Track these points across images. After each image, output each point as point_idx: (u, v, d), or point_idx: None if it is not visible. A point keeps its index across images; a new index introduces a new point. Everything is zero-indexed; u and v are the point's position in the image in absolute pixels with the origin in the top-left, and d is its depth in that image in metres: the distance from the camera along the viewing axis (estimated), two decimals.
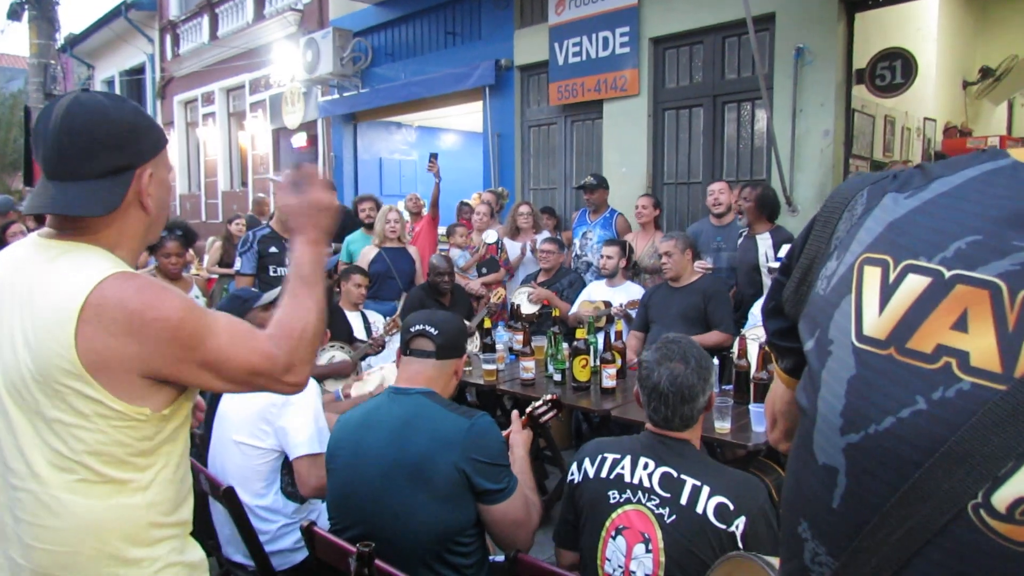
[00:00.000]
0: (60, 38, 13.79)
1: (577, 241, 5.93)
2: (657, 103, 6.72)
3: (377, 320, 4.76)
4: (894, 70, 5.79)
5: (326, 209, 1.46)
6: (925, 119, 7.73)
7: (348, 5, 9.85)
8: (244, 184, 13.51)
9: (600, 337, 3.96)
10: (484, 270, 5.99)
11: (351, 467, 2.00)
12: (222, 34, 12.99)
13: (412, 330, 2.10)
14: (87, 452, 1.24)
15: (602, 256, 4.80)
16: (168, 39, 14.92)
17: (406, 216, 6.94)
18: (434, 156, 6.33)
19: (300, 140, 11.64)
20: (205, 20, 13.54)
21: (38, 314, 1.23)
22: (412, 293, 5.04)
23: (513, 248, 5.99)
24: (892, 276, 0.70)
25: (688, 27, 6.34)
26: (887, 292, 0.70)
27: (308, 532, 2.02)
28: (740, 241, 4.81)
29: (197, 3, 13.82)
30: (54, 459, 1.24)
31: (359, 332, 4.50)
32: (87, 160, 1.27)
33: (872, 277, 0.72)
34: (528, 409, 2.31)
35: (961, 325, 0.65)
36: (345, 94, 10.09)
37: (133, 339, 1.21)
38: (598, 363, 3.69)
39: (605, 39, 6.90)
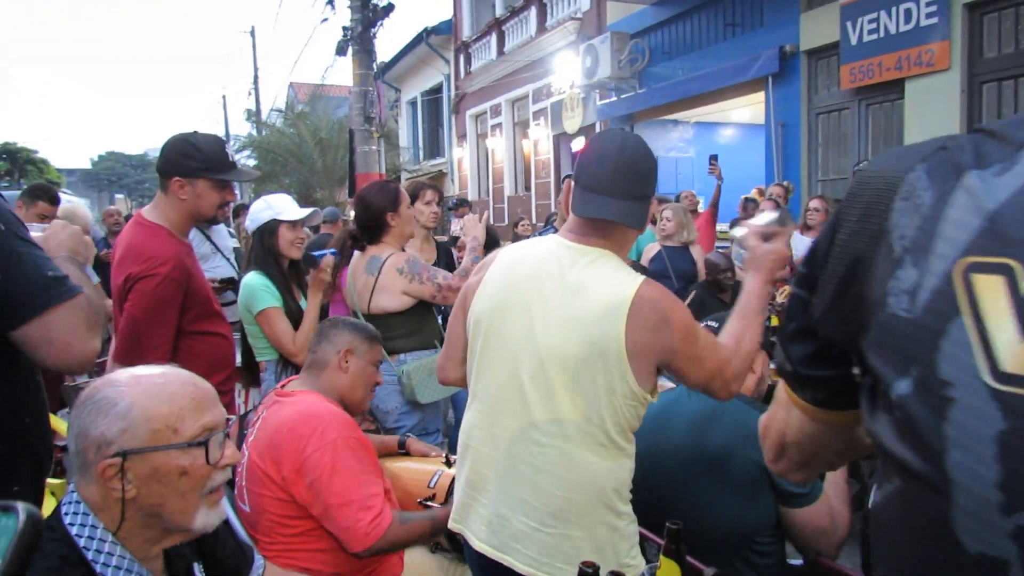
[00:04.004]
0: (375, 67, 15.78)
1: None
2: (973, 76, 5.93)
3: None
4: None
5: (784, 259, 1.74)
6: None
7: (625, 8, 10.03)
8: (527, 188, 14.35)
9: None
10: None
11: (649, 456, 2.06)
12: (508, 49, 13.93)
13: (712, 323, 2.12)
14: (610, 421, 1.56)
15: None
16: (461, 59, 16.35)
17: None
18: (714, 157, 6.23)
19: (579, 144, 12.08)
20: (493, 38, 14.62)
21: (591, 304, 1.55)
22: (694, 292, 5.01)
23: (803, 244, 5.68)
24: None
25: None
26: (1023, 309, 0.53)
27: None
28: None
29: (486, 22, 14.97)
30: (582, 423, 1.56)
31: None
32: (636, 185, 1.61)
33: (992, 290, 0.54)
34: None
35: None
36: (622, 96, 10.28)
37: (659, 333, 1.53)
38: None
39: (907, 11, 6.26)
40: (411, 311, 3.00)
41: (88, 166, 57.65)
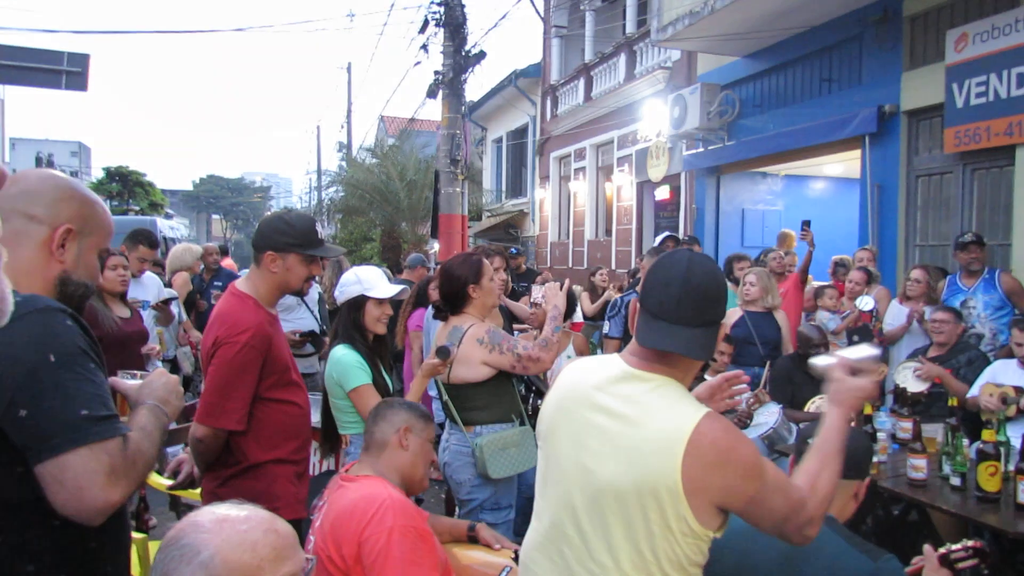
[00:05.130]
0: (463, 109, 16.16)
1: None
2: None
3: None
4: None
5: (869, 396, 1.69)
6: None
7: (716, 59, 9.94)
8: (608, 233, 14.28)
9: (1017, 435, 3.37)
10: (856, 338, 5.50)
11: None
12: (595, 95, 13.99)
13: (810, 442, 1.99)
14: (665, 559, 1.49)
15: (1017, 344, 4.05)
16: (548, 102, 16.52)
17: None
18: (807, 223, 6.08)
19: (662, 193, 11.98)
20: (581, 83, 14.72)
21: (647, 436, 1.50)
22: (779, 364, 4.83)
23: (901, 313, 5.40)
24: None
25: None
26: None
27: None
28: None
29: (575, 67, 15.11)
30: (637, 560, 1.50)
31: None
32: (703, 312, 1.55)
33: None
34: (942, 550, 2.03)
35: None
36: (710, 147, 10.15)
37: (719, 471, 1.46)
38: (1011, 470, 3.14)
39: (1020, 75, 5.95)
40: (490, 383, 2.99)
41: (190, 188, 60.91)
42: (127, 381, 1.56)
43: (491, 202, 20.18)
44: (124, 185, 29.19)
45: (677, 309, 1.54)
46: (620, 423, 1.54)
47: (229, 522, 1.09)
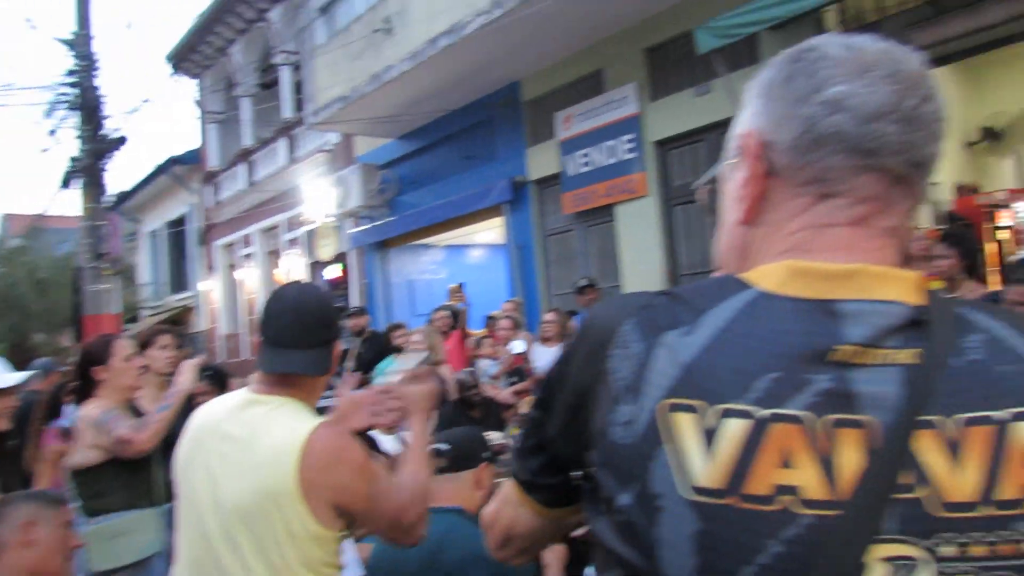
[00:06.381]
0: (109, 198, 14.79)
1: None
2: (667, 200, 6.95)
3: None
4: None
5: (433, 395, 1.89)
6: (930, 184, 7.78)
7: (372, 141, 10.49)
8: None
9: None
10: (515, 379, 6.10)
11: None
12: (258, 180, 13.81)
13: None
14: (297, 562, 1.56)
15: None
16: (209, 189, 15.87)
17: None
18: (459, 285, 6.69)
19: (333, 272, 12.11)
20: (242, 168, 14.42)
21: (264, 453, 1.58)
22: (443, 411, 5.12)
23: (542, 356, 6.10)
24: (709, 422, 0.69)
25: (689, 127, 6.64)
26: (709, 439, 0.69)
27: None
28: None
29: (235, 153, 14.77)
30: (270, 572, 1.56)
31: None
32: (316, 333, 1.69)
33: (686, 424, 0.70)
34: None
35: (786, 462, 0.67)
36: (374, 223, 10.57)
37: (332, 472, 1.57)
38: None
39: (611, 147, 7.24)
40: (111, 467, 2.77)
41: None
42: None
43: (151, 299, 18.57)
44: None
45: (291, 334, 1.68)
46: (240, 445, 1.61)
47: None
